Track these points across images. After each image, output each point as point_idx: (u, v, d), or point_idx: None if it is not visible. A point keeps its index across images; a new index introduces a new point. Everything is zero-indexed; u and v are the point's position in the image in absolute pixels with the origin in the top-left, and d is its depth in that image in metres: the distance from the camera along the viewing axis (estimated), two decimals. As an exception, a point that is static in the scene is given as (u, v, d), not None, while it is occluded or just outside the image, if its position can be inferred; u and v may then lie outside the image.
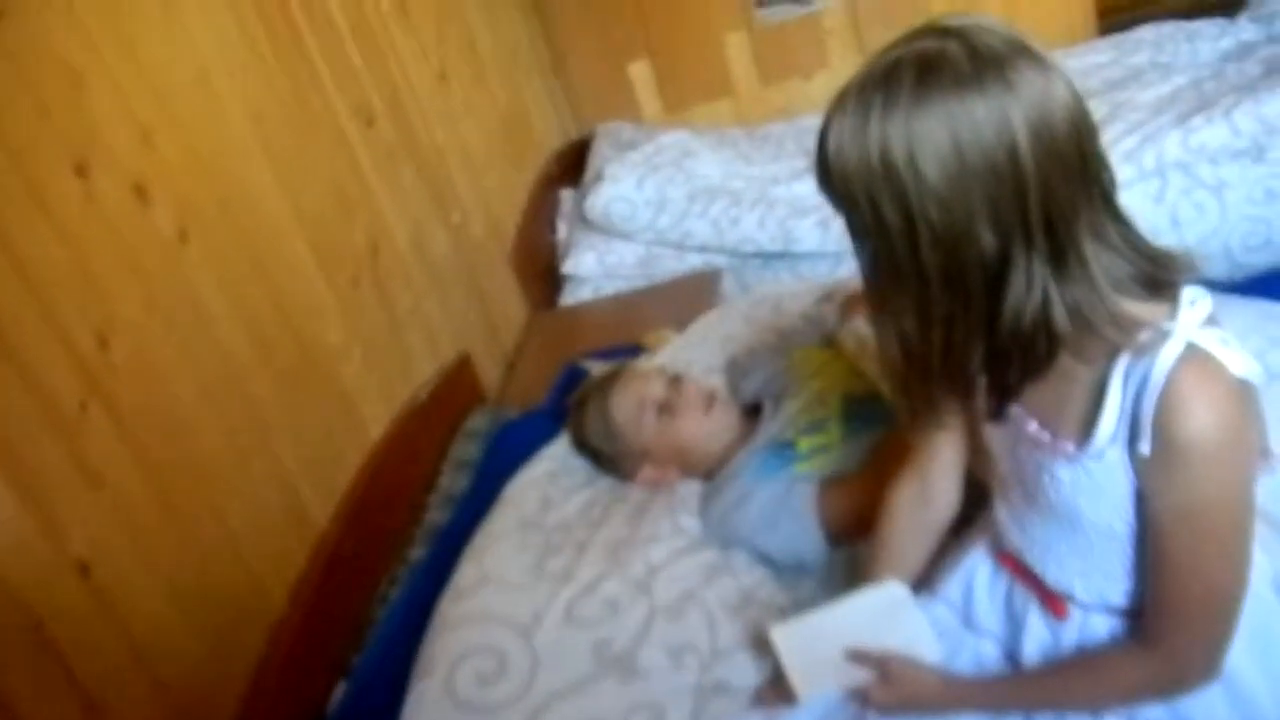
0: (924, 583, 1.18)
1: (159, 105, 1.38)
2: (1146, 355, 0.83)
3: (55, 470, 1.08)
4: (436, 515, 1.79)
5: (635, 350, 2.15)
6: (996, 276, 0.82)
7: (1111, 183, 0.85)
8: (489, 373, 2.32)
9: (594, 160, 3.18)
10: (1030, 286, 0.81)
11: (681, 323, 2.14)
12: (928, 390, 0.94)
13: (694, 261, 2.76)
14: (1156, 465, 0.84)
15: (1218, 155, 2.34)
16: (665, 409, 1.59)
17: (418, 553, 1.69)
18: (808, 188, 2.65)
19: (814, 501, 1.38)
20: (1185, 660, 0.92)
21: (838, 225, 0.90)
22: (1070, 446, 0.90)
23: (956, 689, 1.08)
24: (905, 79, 0.79)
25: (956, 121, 0.77)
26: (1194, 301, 0.84)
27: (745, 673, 1.25)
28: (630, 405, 1.60)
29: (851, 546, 1.36)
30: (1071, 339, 0.84)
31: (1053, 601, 1.02)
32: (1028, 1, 3.51)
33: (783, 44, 3.67)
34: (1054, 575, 1.01)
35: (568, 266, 2.82)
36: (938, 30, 0.82)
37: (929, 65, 0.79)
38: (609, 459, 1.65)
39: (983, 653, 1.12)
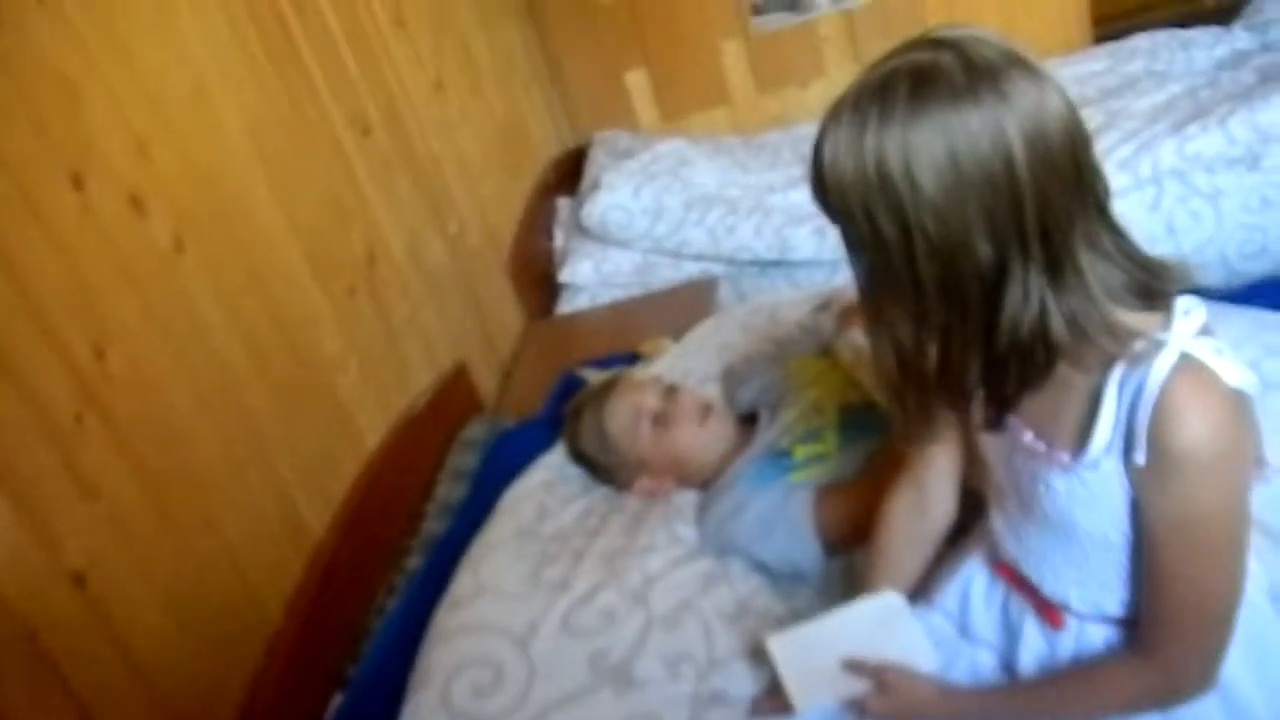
0: (920, 592, 1.18)
1: (155, 116, 1.38)
2: (1141, 365, 0.83)
3: (50, 481, 1.08)
4: (433, 525, 1.78)
5: (632, 358, 2.16)
6: (993, 287, 0.82)
7: (1106, 192, 0.85)
8: (486, 382, 2.32)
9: (591, 169, 3.18)
10: (1027, 297, 0.81)
11: (678, 331, 2.14)
12: (923, 401, 0.94)
13: (690, 270, 2.76)
14: (1151, 475, 0.84)
15: (1213, 163, 2.35)
16: (660, 420, 1.59)
17: (415, 562, 1.69)
18: (804, 196, 2.64)
19: (810, 510, 1.38)
20: (1181, 670, 0.92)
21: (834, 233, 0.90)
22: (1065, 456, 0.90)
23: (953, 699, 1.08)
24: (900, 90, 0.80)
25: (952, 133, 0.78)
26: (1188, 311, 0.85)
27: (742, 683, 1.24)
28: (625, 416, 1.60)
29: (848, 555, 1.36)
30: (1068, 348, 0.84)
31: (1049, 611, 1.02)
32: (1023, 10, 3.52)
33: (779, 52, 3.68)
34: (1050, 585, 1.01)
35: (564, 275, 2.82)
36: (932, 42, 0.82)
37: (924, 77, 0.79)
38: (604, 469, 1.65)
39: (979, 662, 1.12)
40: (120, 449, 1.18)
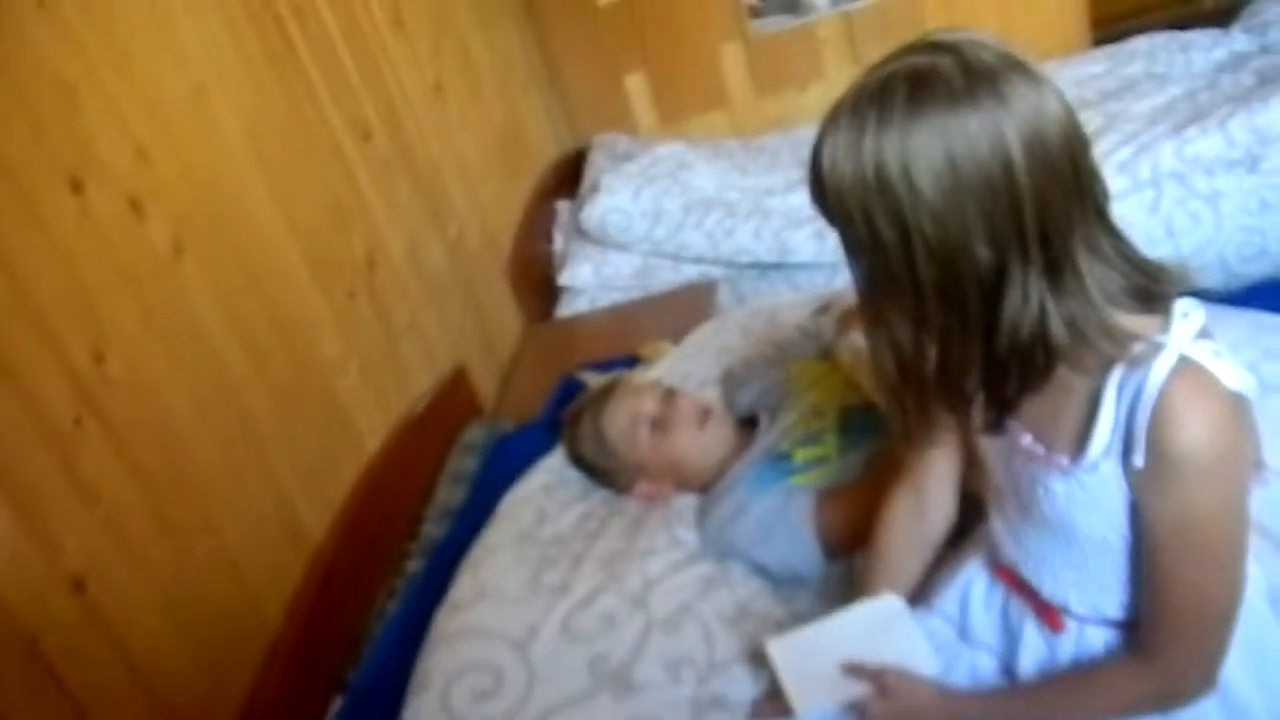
0: (920, 595, 1.18)
1: (153, 120, 1.38)
2: (1140, 368, 0.83)
3: (49, 485, 1.08)
4: (433, 528, 1.78)
5: (632, 361, 2.16)
6: (993, 290, 0.82)
7: (1104, 196, 0.85)
8: (485, 385, 2.32)
9: (590, 172, 3.18)
10: (1027, 300, 0.81)
11: (677, 334, 2.14)
12: (923, 404, 0.94)
13: (690, 273, 2.76)
14: (1150, 478, 0.84)
15: (1212, 166, 2.35)
16: (658, 424, 1.59)
17: (414, 566, 1.69)
18: (803, 199, 2.65)
19: (811, 514, 1.38)
20: (1181, 673, 0.92)
21: (833, 236, 0.90)
22: (1064, 459, 0.90)
23: (953, 702, 1.08)
24: (899, 94, 0.80)
25: (951, 136, 0.78)
26: (1187, 314, 0.85)
27: (742, 686, 1.24)
28: (623, 421, 1.60)
29: (848, 559, 1.35)
30: (1067, 351, 0.84)
31: (1048, 614, 1.02)
32: (1022, 12, 3.52)
33: (778, 55, 3.68)
34: (1049, 588, 1.01)
35: (564, 278, 2.82)
36: (930, 45, 0.82)
37: (922, 80, 0.79)
38: (603, 474, 1.65)
39: (979, 665, 1.12)
40: (119, 452, 1.18)
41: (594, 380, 2.03)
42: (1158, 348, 0.82)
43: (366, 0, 2.21)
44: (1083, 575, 0.97)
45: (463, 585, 1.49)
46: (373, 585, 1.64)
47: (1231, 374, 0.82)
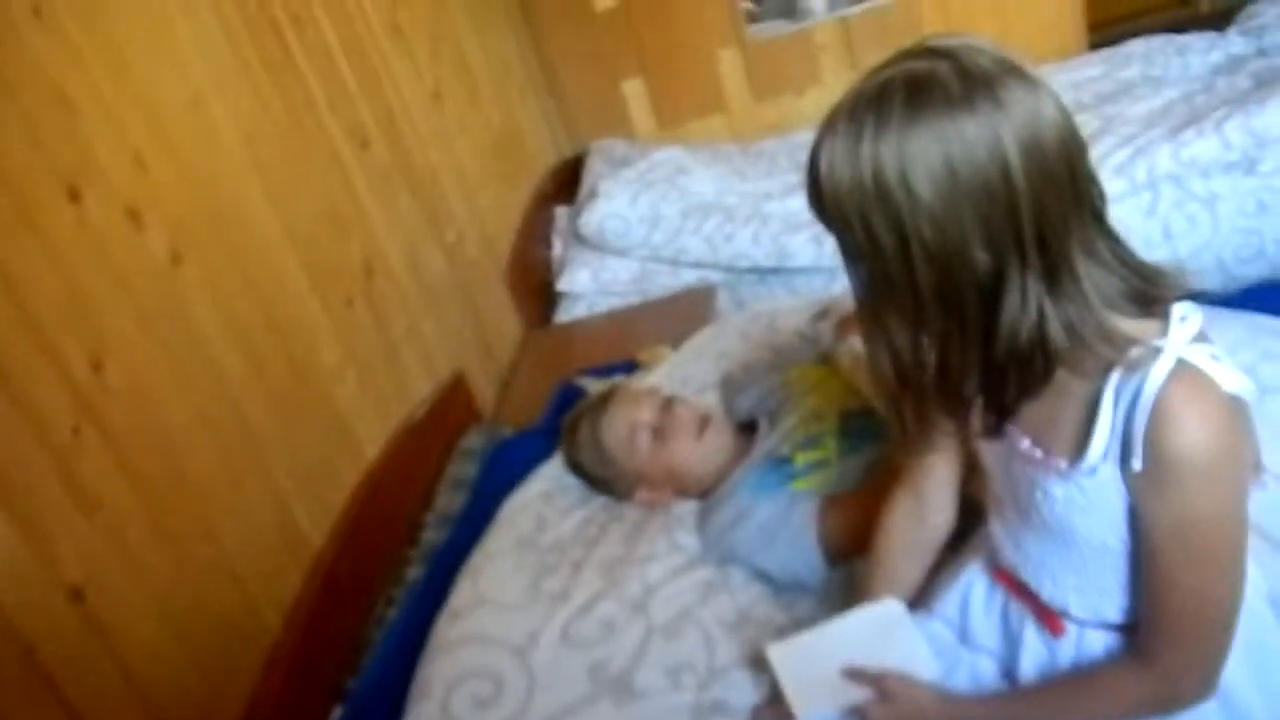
0: (920, 600, 1.18)
1: (152, 129, 1.38)
2: (1137, 372, 0.83)
3: (48, 494, 1.08)
4: (433, 535, 1.78)
5: (631, 367, 2.15)
6: (991, 295, 0.82)
7: (1102, 200, 0.85)
8: (484, 391, 2.32)
9: (588, 177, 3.19)
10: (1025, 304, 0.81)
11: (676, 339, 2.14)
12: (921, 409, 0.94)
13: (689, 278, 2.76)
14: (1148, 482, 0.84)
15: (1209, 168, 2.36)
16: (657, 433, 1.59)
17: (414, 573, 1.69)
18: (801, 203, 2.62)
19: (814, 520, 1.38)
20: (1181, 676, 0.92)
21: (831, 241, 0.90)
22: (1063, 463, 0.90)
23: (954, 706, 1.08)
24: (896, 99, 0.80)
25: (948, 141, 0.78)
26: (1184, 317, 0.85)
27: (743, 692, 1.24)
28: (621, 430, 1.60)
29: (850, 565, 1.35)
30: (1066, 356, 0.84)
31: (1049, 618, 1.02)
32: (1019, 17, 3.53)
33: (775, 60, 3.69)
34: (1049, 591, 1.01)
35: (562, 283, 2.83)
36: (927, 51, 0.82)
37: (919, 85, 0.79)
38: (603, 482, 1.65)
39: (980, 670, 1.12)
40: (118, 460, 1.18)
41: (593, 386, 2.03)
42: (1155, 351, 0.82)
43: (364, 8, 2.21)
44: (1082, 579, 0.97)
45: (462, 592, 1.49)
46: (372, 592, 1.64)
47: (1229, 377, 0.82)
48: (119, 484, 1.17)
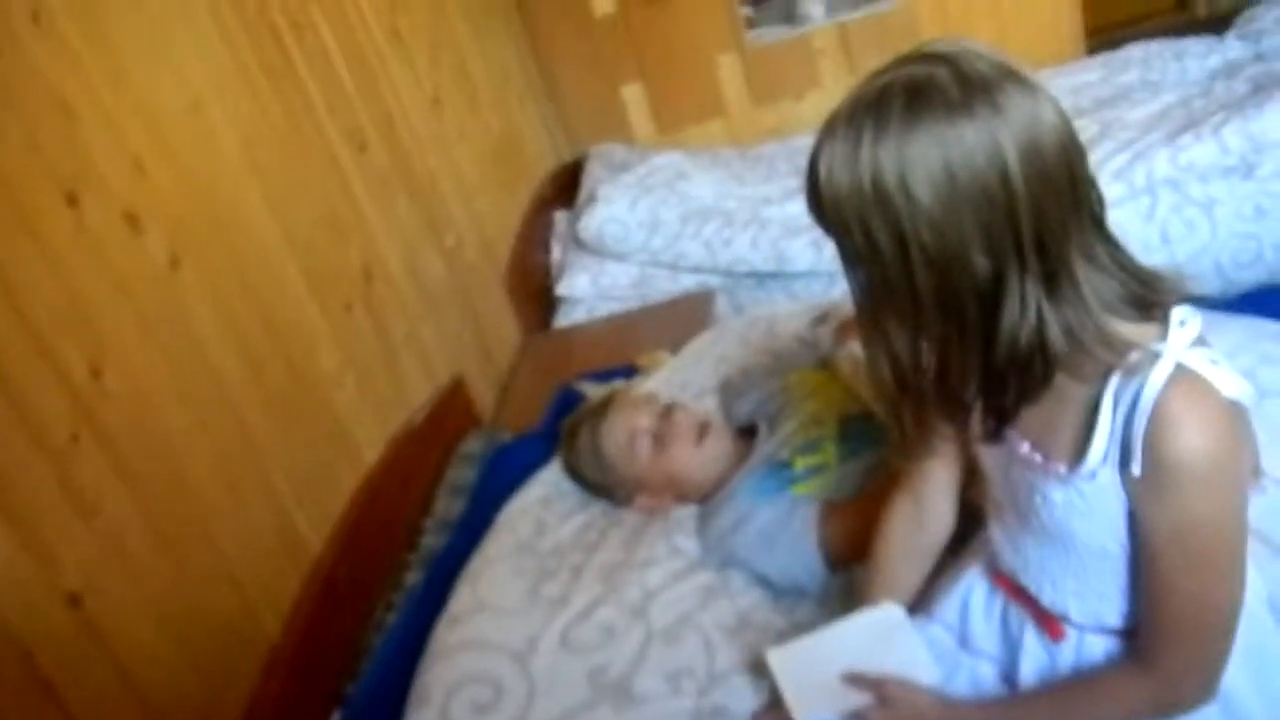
0: (920, 604, 1.18)
1: (151, 134, 1.38)
2: (1136, 376, 0.83)
3: (46, 499, 1.07)
4: (432, 540, 1.78)
5: (630, 371, 2.15)
6: (990, 299, 0.82)
7: (1101, 204, 0.85)
8: (483, 396, 2.32)
9: (587, 182, 3.19)
10: (1024, 309, 0.81)
11: (675, 344, 2.14)
12: (921, 414, 0.94)
13: (688, 283, 2.76)
14: (1148, 486, 0.84)
15: (1207, 172, 2.36)
16: (656, 439, 1.59)
17: (413, 578, 1.68)
18: (800, 208, 2.63)
19: (814, 525, 1.38)
20: (1181, 681, 0.92)
21: (831, 245, 0.90)
22: (1062, 468, 0.90)
23: (953, 711, 1.08)
24: (895, 104, 0.80)
25: (948, 146, 0.78)
26: (1184, 322, 0.85)
27: (743, 697, 1.24)
28: (621, 437, 1.60)
29: (850, 571, 1.35)
30: (1065, 360, 0.84)
31: (1048, 622, 1.02)
32: (1017, 22, 3.54)
33: (774, 65, 3.69)
34: (1049, 596, 1.01)
35: (562, 288, 2.83)
36: (926, 56, 0.82)
37: (918, 90, 0.80)
38: (603, 489, 1.65)
39: (980, 674, 1.12)
40: (116, 466, 1.18)
41: (592, 390, 2.03)
42: (1154, 356, 0.82)
43: (364, 13, 2.22)
44: (1082, 583, 0.97)
45: (462, 597, 1.49)
46: (371, 597, 1.64)
47: (1229, 381, 0.82)
48: (117, 489, 1.17)
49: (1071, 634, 1.00)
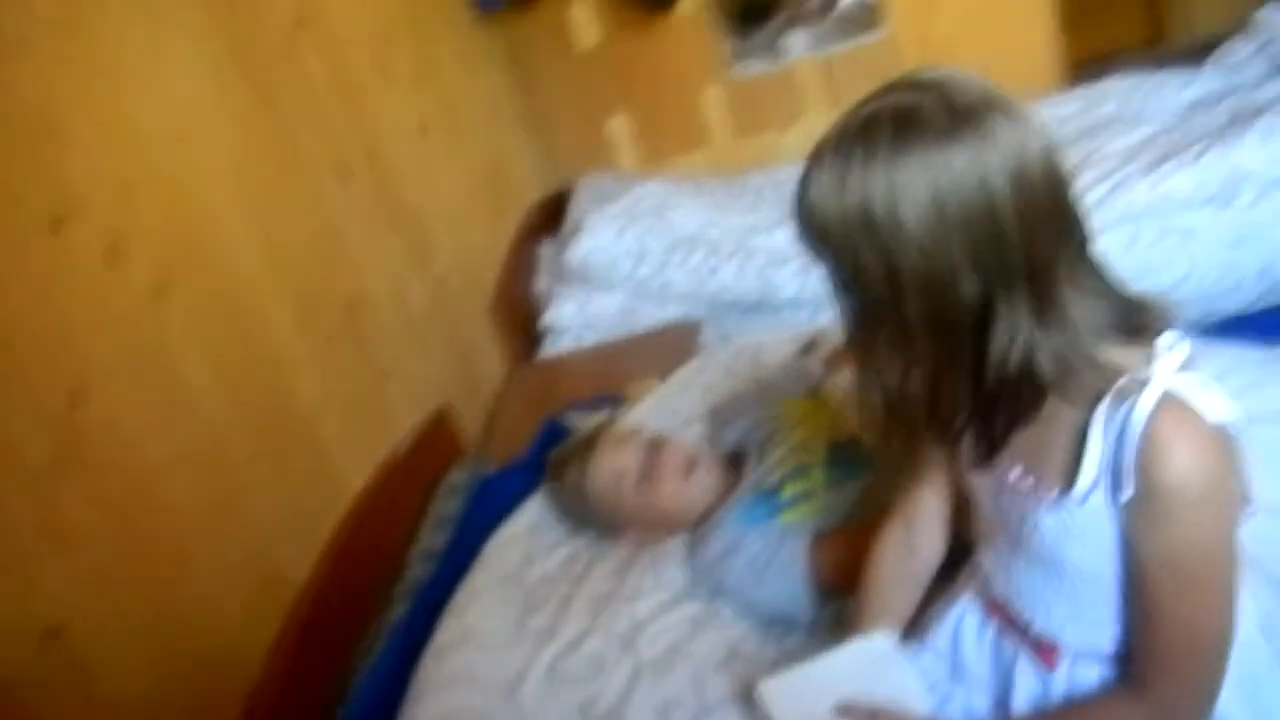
0: (912, 632, 1.17)
1: (137, 161, 1.38)
2: (1125, 401, 0.83)
3: (24, 531, 1.06)
4: (417, 572, 1.76)
5: (617, 400, 2.15)
6: (980, 324, 0.82)
7: (1087, 230, 0.86)
8: (469, 427, 2.31)
9: (573, 212, 3.19)
10: (1014, 334, 0.82)
11: (662, 373, 2.13)
12: (911, 441, 0.94)
13: (674, 312, 2.76)
14: (1139, 511, 0.84)
15: (1187, 202, 2.38)
16: (644, 475, 1.57)
17: (398, 611, 1.66)
18: (786, 237, 2.67)
19: (804, 556, 1.37)
20: (1175, 707, 0.91)
21: (817, 273, 0.90)
22: (1053, 493, 0.90)
23: (947, 741, 1.07)
24: (883, 132, 0.80)
25: (936, 172, 0.78)
26: (1172, 346, 0.85)
27: (733, 729, 1.22)
28: (608, 478, 1.58)
29: (840, 601, 1.34)
30: (1055, 385, 0.84)
31: (1041, 650, 1.01)
32: (998, 55, 3.56)
33: (758, 97, 3.72)
34: (1041, 623, 1.00)
35: (548, 317, 2.82)
36: (913, 84, 0.83)
37: (906, 118, 0.80)
38: (591, 526, 1.64)
39: (972, 703, 1.11)
40: (96, 497, 1.16)
41: (579, 420, 2.02)
42: (1143, 381, 0.83)
43: (350, 43, 2.22)
44: (1075, 609, 0.96)
45: (448, 629, 1.47)
46: (355, 631, 1.62)
47: (1218, 405, 0.82)
48: (97, 521, 1.15)
49: (1064, 661, 1.00)
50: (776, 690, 1.12)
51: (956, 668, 1.12)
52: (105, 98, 1.35)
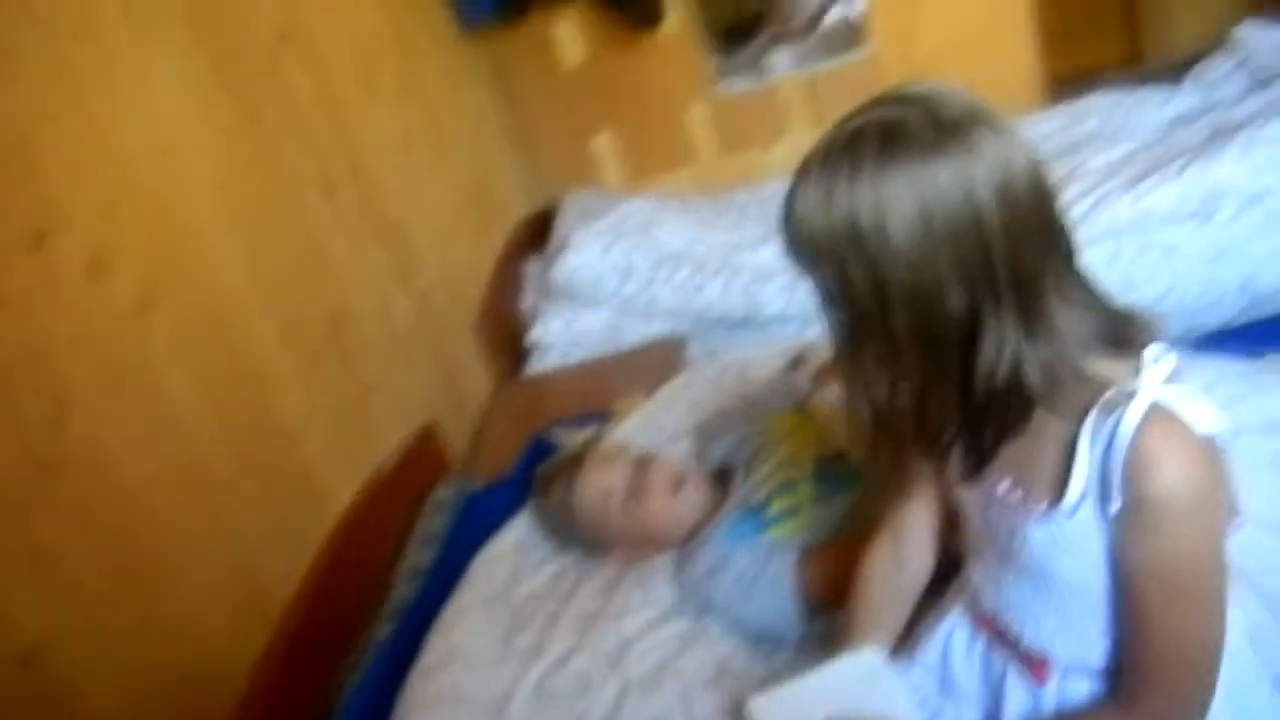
0: (901, 647, 1.16)
1: (120, 176, 1.37)
2: (1113, 413, 0.83)
3: (5, 551, 1.04)
4: (403, 590, 1.75)
5: (603, 416, 2.14)
6: (968, 337, 0.82)
7: (1073, 243, 0.86)
8: (455, 443, 2.29)
9: (560, 228, 3.19)
10: (1001, 346, 0.82)
11: (647, 389, 2.13)
12: (900, 455, 0.94)
13: (660, 328, 2.76)
14: (1128, 522, 0.84)
15: (1169, 217, 2.40)
16: (632, 493, 1.56)
17: (384, 629, 1.65)
18: (771, 253, 2.68)
19: (792, 572, 1.36)
20: (1166, 719, 0.91)
21: (803, 289, 0.90)
22: (1042, 505, 0.90)
23: (937, 757, 1.06)
24: (869, 146, 0.81)
25: (922, 186, 0.79)
26: (1158, 358, 0.85)
27: (722, 746, 1.22)
28: (595, 496, 1.57)
29: (828, 617, 1.33)
30: (1043, 397, 0.84)
31: (1031, 664, 1.01)
32: (980, 74, 3.59)
33: (742, 115, 3.74)
34: (1031, 636, 1.00)
35: (534, 334, 2.82)
36: (899, 98, 0.83)
37: (892, 132, 0.80)
38: (578, 545, 1.63)
39: (963, 718, 1.10)
40: (77, 516, 1.14)
41: (566, 437, 2.02)
42: (1130, 393, 0.83)
43: (335, 58, 2.22)
44: (1064, 623, 0.96)
45: (434, 648, 1.45)
46: (341, 650, 1.60)
47: (1206, 416, 0.82)
48: (78, 540, 1.14)
49: (1054, 675, 0.99)
50: (766, 708, 1.11)
51: (946, 683, 1.12)
52: (88, 112, 1.34)
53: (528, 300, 3.05)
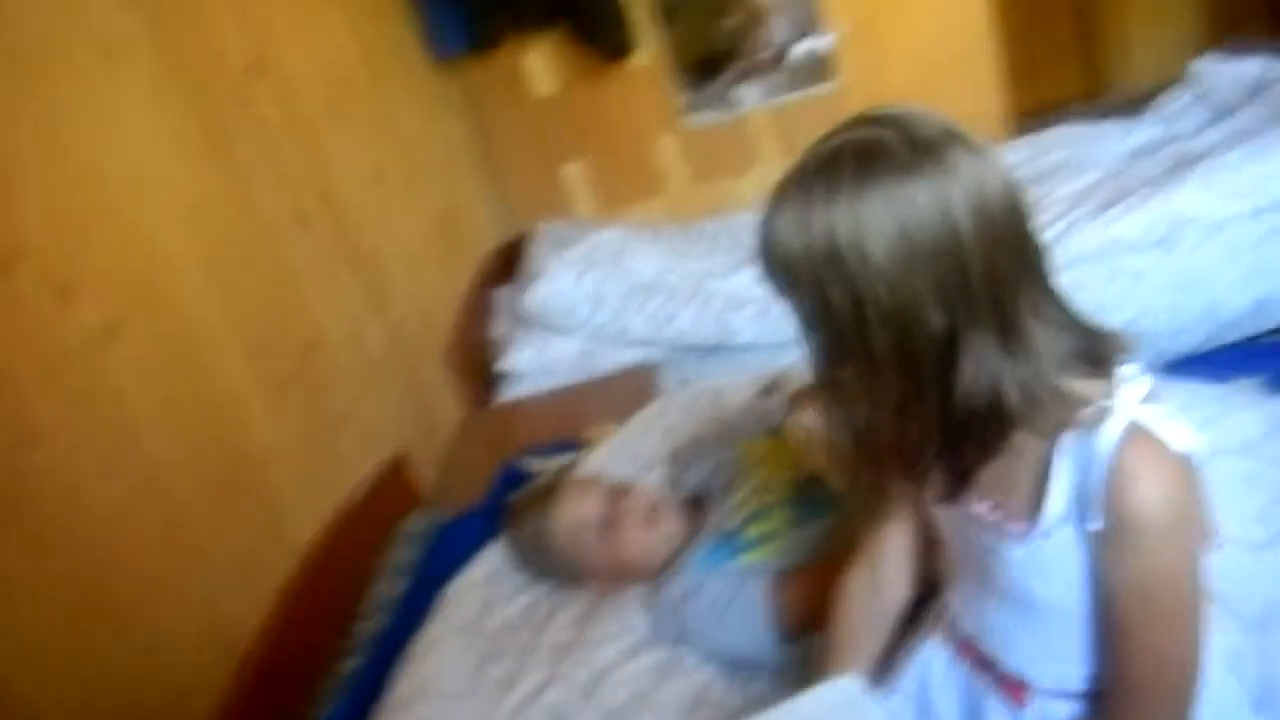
0: (880, 673, 1.15)
1: (89, 203, 1.35)
2: (1090, 432, 0.83)
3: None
4: (372, 623, 1.71)
5: (576, 445, 2.12)
6: (946, 356, 0.82)
7: (1048, 263, 0.87)
8: (425, 473, 2.27)
9: (530, 258, 3.19)
10: (980, 365, 0.82)
11: (620, 417, 2.12)
12: (879, 478, 0.93)
13: (632, 356, 2.76)
14: (1107, 541, 0.84)
15: (1135, 245, 2.44)
16: (606, 525, 1.54)
17: (353, 663, 1.61)
18: (743, 281, 2.69)
19: (766, 597, 1.35)
20: (1146, 742, 0.90)
21: (775, 316, 0.90)
22: (1020, 526, 0.90)
23: (917, 785, 1.05)
24: (846, 166, 0.81)
25: (900, 205, 0.79)
26: (1134, 378, 0.86)
27: (699, 777, 1.20)
28: (569, 528, 1.55)
29: (805, 641, 1.32)
30: (1021, 416, 0.84)
31: (1011, 688, 1.00)
32: (948, 104, 3.62)
33: (712, 145, 3.77)
34: (1011, 660, 1.00)
35: (506, 362, 2.80)
36: (873, 119, 0.84)
37: (869, 153, 0.81)
38: (552, 577, 1.61)
39: (943, 745, 1.09)
40: (37, 548, 1.11)
41: (537, 464, 2.00)
42: (1106, 412, 0.83)
43: (307, 89, 2.21)
44: (1044, 645, 0.96)
45: (405, 681, 1.42)
46: (309, 682, 1.56)
47: (1183, 435, 0.83)
48: (38, 572, 1.11)
49: (1034, 699, 0.99)
50: (745, 736, 1.10)
51: (924, 709, 1.11)
52: (56, 141, 1.32)
53: (499, 329, 3.03)
